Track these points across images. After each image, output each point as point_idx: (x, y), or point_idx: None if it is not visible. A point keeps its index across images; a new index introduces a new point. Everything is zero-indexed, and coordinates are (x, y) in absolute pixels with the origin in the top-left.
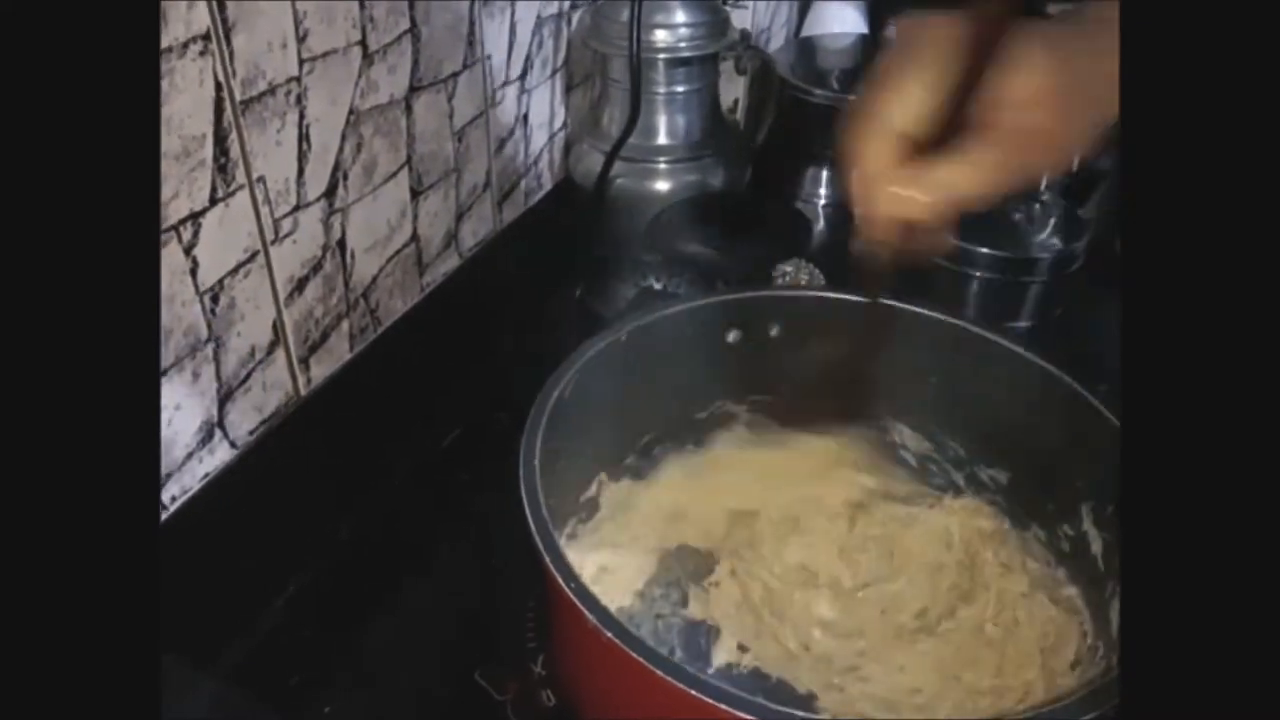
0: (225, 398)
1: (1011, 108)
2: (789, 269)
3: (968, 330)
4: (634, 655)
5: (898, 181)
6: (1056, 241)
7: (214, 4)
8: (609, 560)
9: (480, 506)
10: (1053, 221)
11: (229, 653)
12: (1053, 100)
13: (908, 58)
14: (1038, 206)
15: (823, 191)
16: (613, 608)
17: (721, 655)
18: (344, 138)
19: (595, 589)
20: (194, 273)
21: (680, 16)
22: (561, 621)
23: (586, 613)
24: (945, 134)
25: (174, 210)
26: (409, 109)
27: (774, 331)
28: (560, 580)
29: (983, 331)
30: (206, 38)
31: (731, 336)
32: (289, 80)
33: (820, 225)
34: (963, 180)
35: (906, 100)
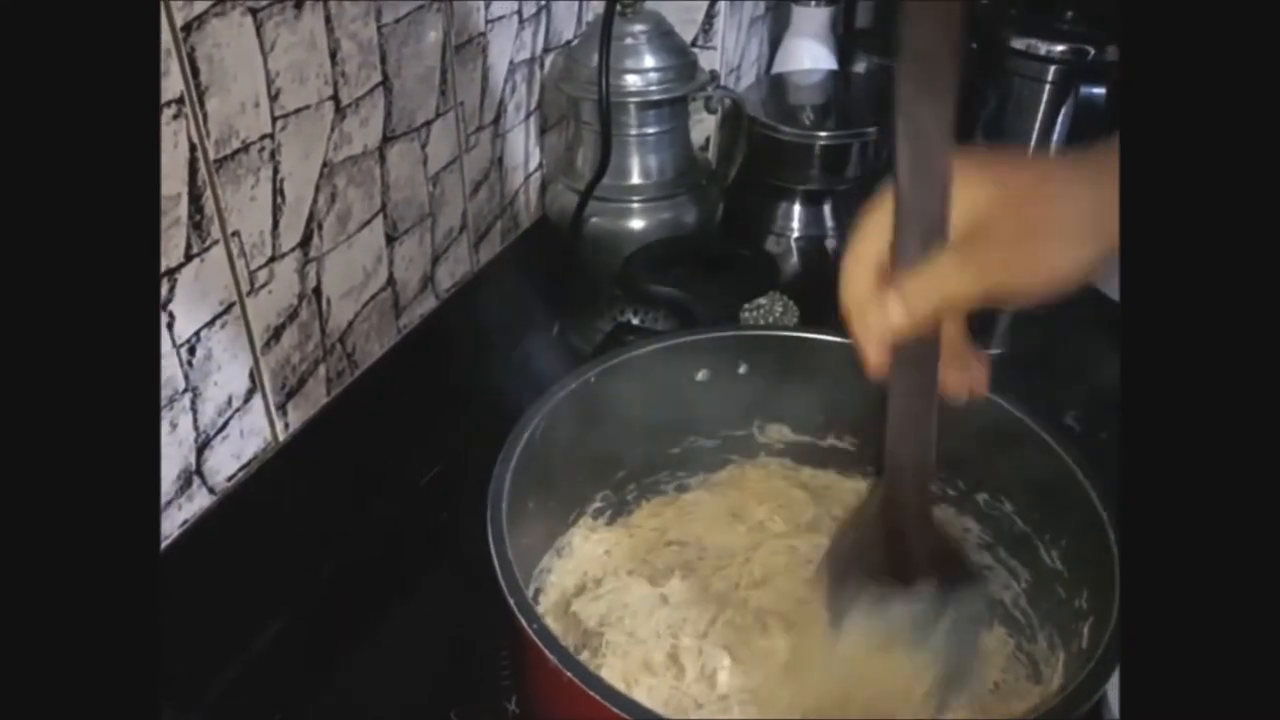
0: (203, 446)
1: (971, 223)
2: (764, 302)
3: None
4: (593, 694)
5: (874, 302)
6: None
7: (187, 70)
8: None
9: (459, 544)
10: None
11: (209, 695)
12: (1021, 203)
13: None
14: None
15: (795, 226)
16: None
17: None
18: (318, 189)
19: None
20: (170, 326)
21: (649, 60)
22: (528, 661)
23: (548, 653)
24: (914, 257)
25: None
26: (383, 158)
27: (742, 369)
28: (523, 621)
29: None
30: (180, 101)
31: (701, 375)
32: (262, 138)
33: (794, 260)
34: (925, 290)
35: (876, 232)
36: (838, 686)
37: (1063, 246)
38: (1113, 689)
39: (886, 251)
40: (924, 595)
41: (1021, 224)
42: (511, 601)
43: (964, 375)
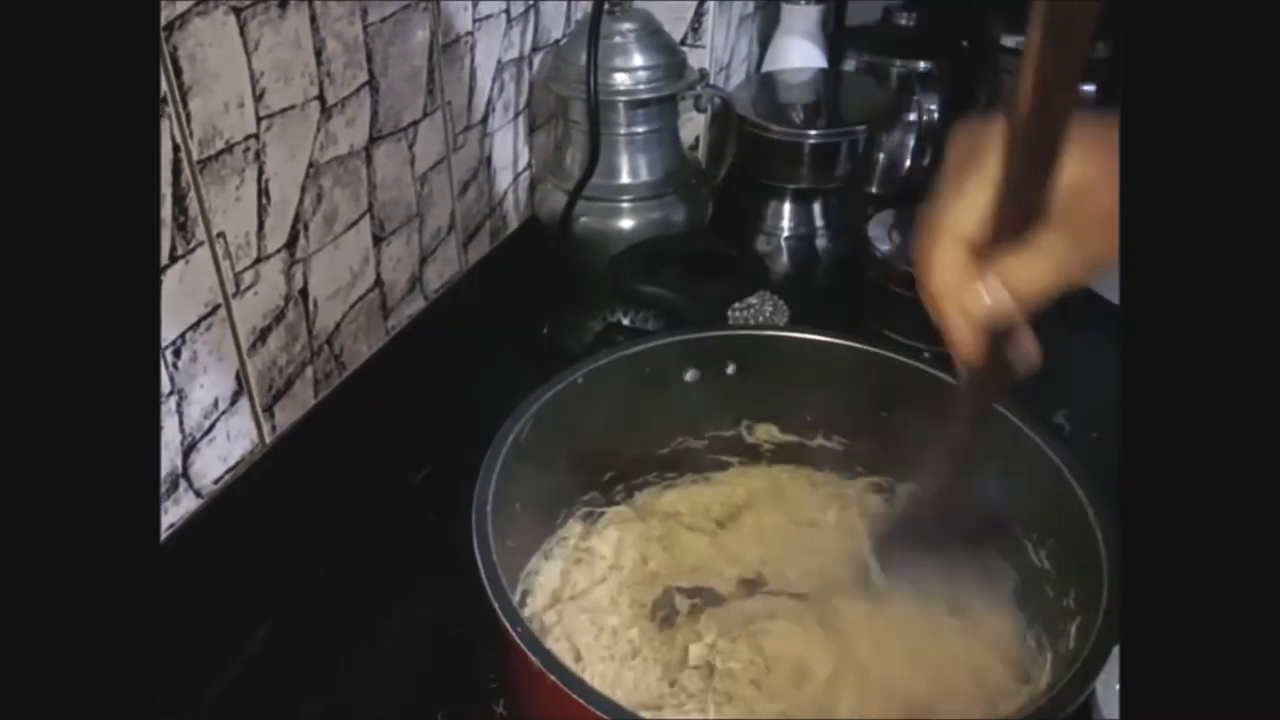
0: (189, 449)
1: (1074, 193)
2: (753, 301)
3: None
4: (576, 698)
5: (969, 291)
6: None
7: (170, 69)
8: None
9: (450, 545)
10: None
11: (199, 699)
12: (1113, 179)
13: (968, 163)
14: None
15: (785, 225)
16: None
17: None
18: (304, 190)
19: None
20: None
21: (638, 59)
22: (514, 664)
23: (532, 656)
24: (1015, 233)
25: None
26: (369, 158)
27: (731, 369)
28: (507, 624)
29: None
30: (164, 101)
31: (689, 375)
32: (247, 138)
33: (784, 259)
34: (1033, 272)
35: (967, 205)
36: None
37: None
38: (1100, 688)
39: (976, 227)
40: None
41: (1115, 192)
42: (496, 605)
43: (1021, 350)
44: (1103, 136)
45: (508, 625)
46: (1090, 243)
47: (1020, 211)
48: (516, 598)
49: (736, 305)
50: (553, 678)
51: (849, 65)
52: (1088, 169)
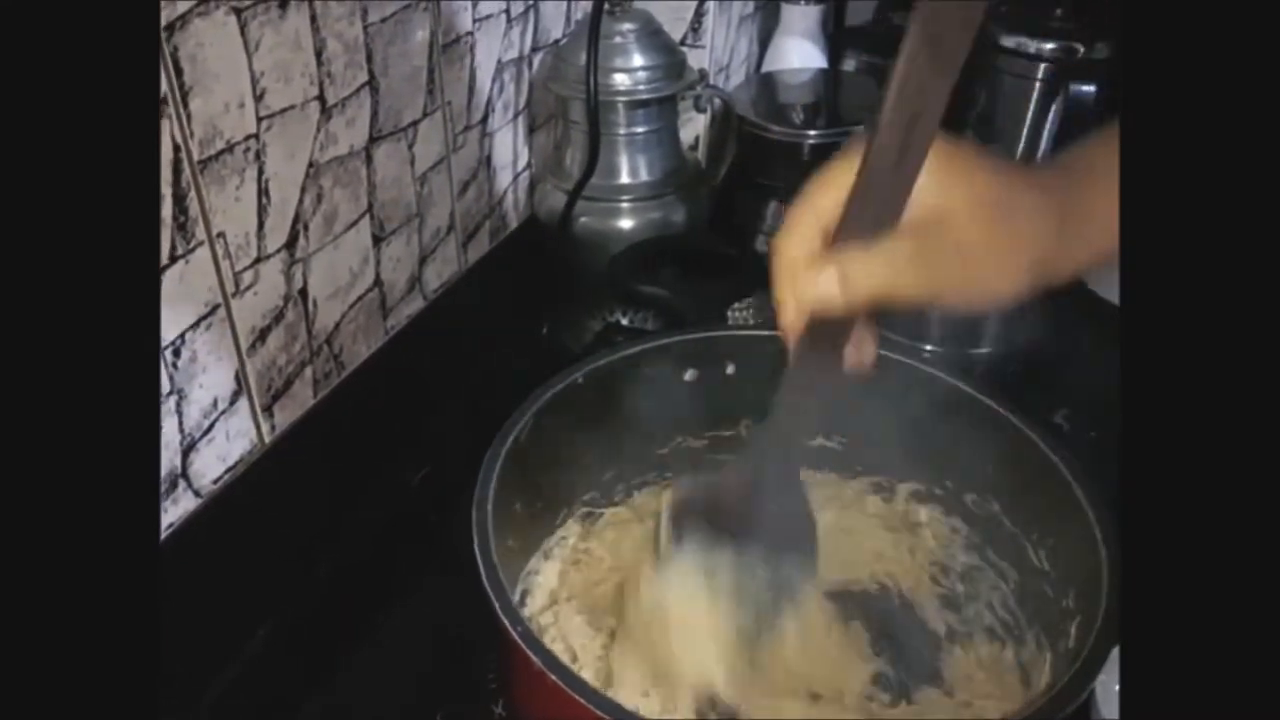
0: (188, 449)
1: (934, 217)
2: (753, 300)
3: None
4: (577, 698)
5: (806, 273)
6: None
7: (170, 70)
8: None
9: (450, 545)
10: None
11: (198, 700)
12: (983, 220)
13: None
14: None
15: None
16: None
17: None
18: (304, 190)
19: None
20: None
21: (638, 59)
22: (513, 664)
23: (532, 656)
24: (863, 232)
25: None
26: (369, 159)
27: (730, 369)
28: (507, 624)
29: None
30: (164, 101)
31: (689, 375)
32: (247, 138)
33: None
34: (869, 273)
35: (832, 191)
36: None
37: (1010, 270)
38: (1100, 688)
39: (836, 213)
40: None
41: (978, 233)
42: (496, 605)
43: (857, 352)
44: (973, 168)
45: (508, 625)
46: (935, 266)
47: (870, 213)
48: (516, 598)
49: (736, 305)
50: (553, 677)
51: (849, 65)
52: (952, 198)
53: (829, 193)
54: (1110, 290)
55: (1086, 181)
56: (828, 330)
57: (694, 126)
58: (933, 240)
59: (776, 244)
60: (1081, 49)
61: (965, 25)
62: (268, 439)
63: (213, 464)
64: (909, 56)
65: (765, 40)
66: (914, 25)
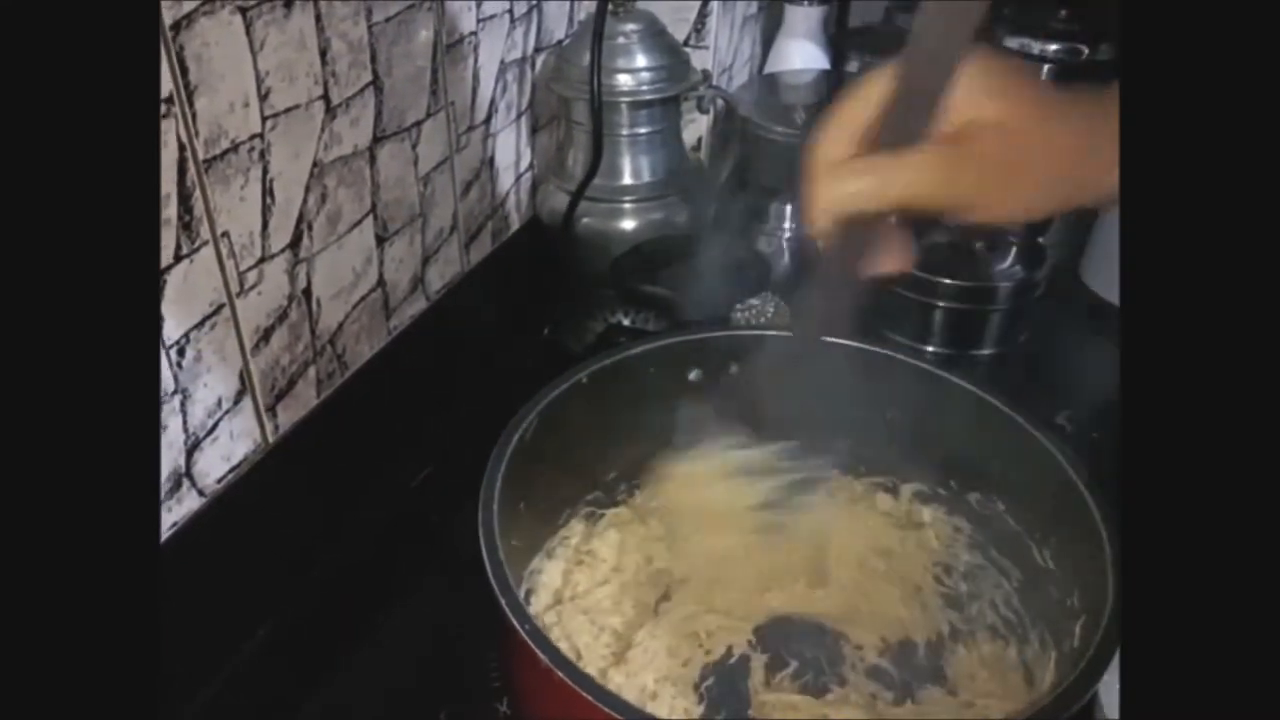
0: (192, 448)
1: (967, 128)
2: (755, 302)
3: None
4: (585, 695)
5: (840, 169)
6: (1018, 270)
7: (176, 69)
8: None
9: (451, 545)
10: (1014, 250)
11: (200, 698)
12: (1015, 132)
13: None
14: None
15: (787, 226)
16: None
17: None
18: (308, 190)
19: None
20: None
21: (641, 60)
22: (520, 663)
23: (540, 654)
24: (899, 138)
25: None
26: (373, 158)
27: (733, 369)
28: (515, 622)
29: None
30: (169, 101)
31: (693, 375)
32: (252, 137)
33: (786, 260)
34: (903, 175)
35: (867, 96)
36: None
37: (1040, 185)
38: (1104, 688)
39: (872, 122)
40: None
41: (1011, 148)
42: (503, 602)
43: (893, 257)
44: (1008, 81)
45: (515, 623)
46: (967, 173)
47: (905, 122)
48: (520, 596)
49: (739, 306)
50: (561, 675)
51: (852, 67)
52: (986, 110)
53: (862, 103)
54: (1111, 290)
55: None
56: (856, 232)
57: (697, 127)
58: (965, 149)
59: (810, 145)
60: (1085, 50)
61: None
62: (271, 438)
63: (216, 463)
64: None
65: (768, 41)
66: None
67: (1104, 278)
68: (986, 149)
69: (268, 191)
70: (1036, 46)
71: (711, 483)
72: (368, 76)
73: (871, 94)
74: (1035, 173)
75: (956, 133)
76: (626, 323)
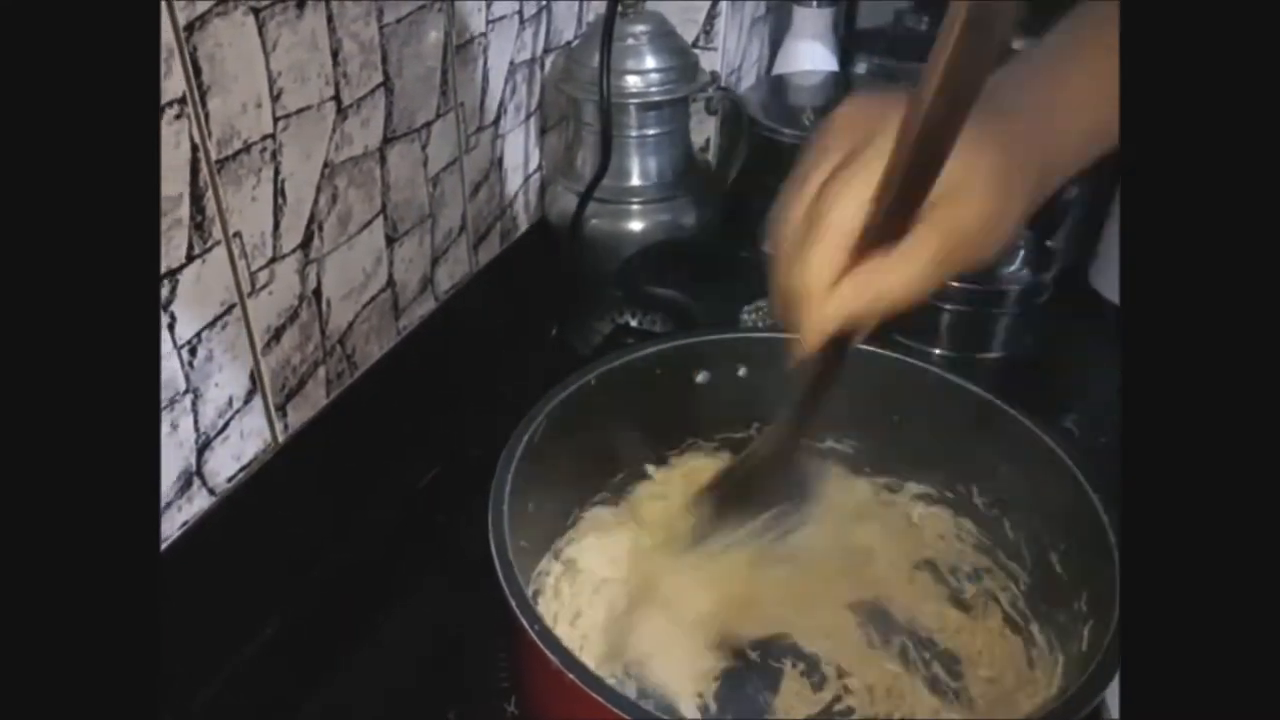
0: (203, 447)
1: (948, 194)
2: (763, 304)
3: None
4: (596, 696)
5: (834, 295)
6: (1025, 273)
7: (189, 70)
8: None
9: (458, 545)
10: (1021, 253)
11: (207, 696)
12: (988, 178)
13: (856, 148)
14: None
15: None
16: None
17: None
18: (319, 190)
19: None
20: (171, 327)
21: (650, 61)
22: (529, 663)
23: (550, 654)
24: (892, 232)
25: None
26: (383, 159)
27: (741, 372)
28: (525, 622)
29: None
30: (182, 101)
31: (700, 377)
32: (264, 138)
33: None
34: (900, 279)
35: (854, 199)
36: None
37: (1019, 210)
38: (1112, 693)
39: (859, 226)
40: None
41: (994, 194)
42: (513, 603)
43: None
44: (982, 139)
45: (525, 624)
46: (958, 247)
47: (903, 209)
48: (528, 596)
49: (747, 308)
50: (571, 676)
51: (860, 68)
52: (965, 171)
53: (849, 202)
54: (1119, 294)
55: (1072, 67)
56: (847, 339)
57: (705, 129)
58: (953, 224)
59: (790, 270)
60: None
61: (1007, 13)
62: (281, 438)
63: (227, 462)
64: (955, 47)
65: (776, 42)
66: (958, 14)
67: (1112, 281)
68: (973, 209)
69: (279, 192)
70: None
71: None
72: (378, 77)
73: (859, 192)
74: (1016, 202)
75: (940, 206)
76: (635, 324)
